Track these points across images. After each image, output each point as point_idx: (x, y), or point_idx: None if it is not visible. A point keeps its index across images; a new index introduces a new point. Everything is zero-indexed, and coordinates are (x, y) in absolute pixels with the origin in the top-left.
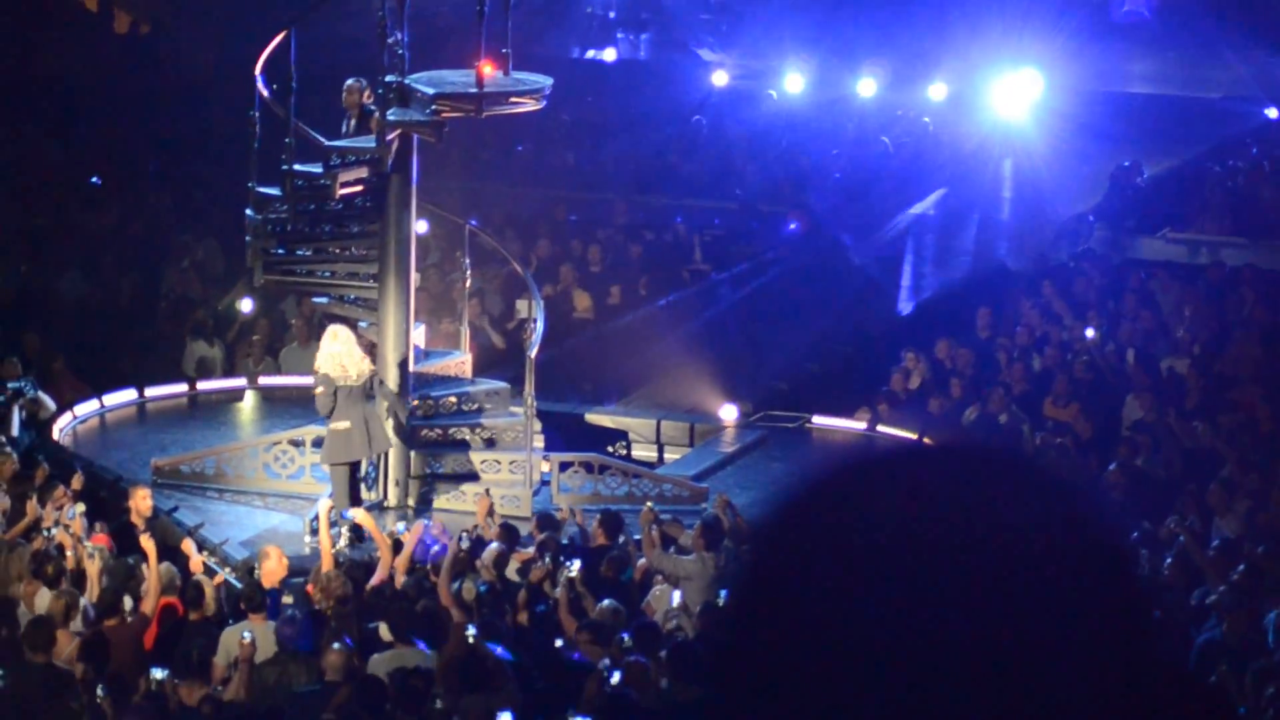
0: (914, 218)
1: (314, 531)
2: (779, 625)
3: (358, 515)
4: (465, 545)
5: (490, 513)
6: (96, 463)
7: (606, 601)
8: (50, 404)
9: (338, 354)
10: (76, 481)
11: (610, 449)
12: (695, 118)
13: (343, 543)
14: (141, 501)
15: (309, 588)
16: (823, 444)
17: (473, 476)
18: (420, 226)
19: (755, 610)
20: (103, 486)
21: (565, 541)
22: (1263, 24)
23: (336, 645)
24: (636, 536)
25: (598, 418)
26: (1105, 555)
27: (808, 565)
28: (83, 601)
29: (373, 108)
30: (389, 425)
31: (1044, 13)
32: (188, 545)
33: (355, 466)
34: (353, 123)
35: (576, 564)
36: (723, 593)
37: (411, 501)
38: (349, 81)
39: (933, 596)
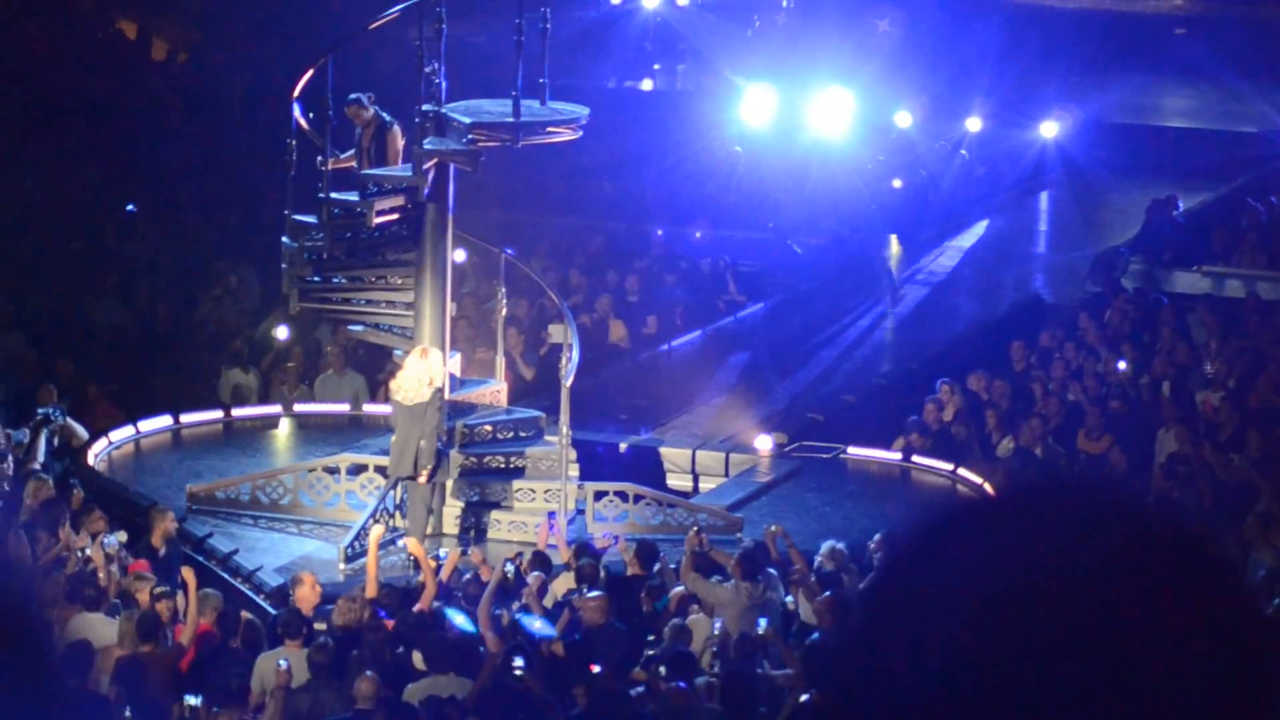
0: (954, 249)
1: (349, 559)
2: (902, 674)
3: (410, 544)
4: (510, 572)
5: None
6: (131, 488)
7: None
8: (81, 431)
9: (406, 371)
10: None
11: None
12: (735, 148)
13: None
14: (169, 524)
15: (332, 612)
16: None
17: (508, 505)
18: (458, 255)
19: (874, 659)
20: (138, 512)
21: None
22: None
23: (369, 673)
24: (673, 564)
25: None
26: (1226, 595)
27: (930, 614)
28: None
29: (389, 119)
30: (415, 455)
31: (1080, 47)
32: (188, 573)
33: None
34: (368, 139)
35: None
36: (762, 621)
37: (446, 529)
38: (350, 103)
39: (1063, 644)
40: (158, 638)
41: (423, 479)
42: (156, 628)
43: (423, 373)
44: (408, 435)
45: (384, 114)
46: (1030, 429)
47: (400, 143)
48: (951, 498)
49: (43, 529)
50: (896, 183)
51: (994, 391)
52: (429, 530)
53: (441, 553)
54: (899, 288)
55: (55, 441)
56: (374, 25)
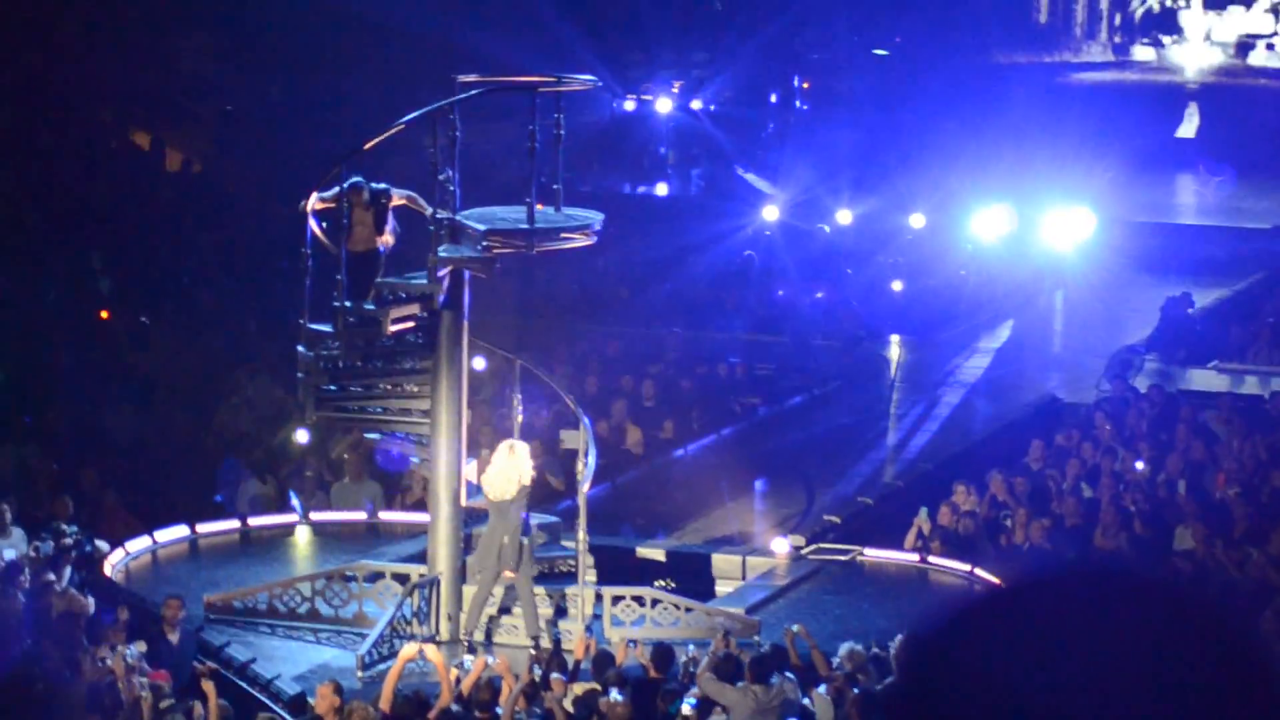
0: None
1: (365, 666)
2: None
3: (428, 650)
4: (538, 674)
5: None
6: (149, 599)
7: None
8: (104, 547)
9: (494, 467)
10: (123, 613)
11: (660, 583)
12: (747, 253)
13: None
14: (172, 610)
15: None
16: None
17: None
18: (478, 363)
19: None
20: (155, 622)
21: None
22: None
23: None
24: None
25: (649, 552)
26: (1253, 670)
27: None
28: None
29: (383, 191)
30: (499, 551)
31: (1095, 149)
32: (208, 686)
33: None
34: (368, 214)
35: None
36: None
37: (463, 636)
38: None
39: None
40: None
41: (509, 574)
42: None
43: (511, 469)
44: (494, 532)
45: (375, 186)
46: (1039, 526)
47: (398, 201)
48: (967, 594)
49: (60, 640)
50: (897, 285)
51: (1015, 488)
52: (449, 637)
53: (466, 660)
54: (895, 385)
55: (74, 554)
56: (382, 138)
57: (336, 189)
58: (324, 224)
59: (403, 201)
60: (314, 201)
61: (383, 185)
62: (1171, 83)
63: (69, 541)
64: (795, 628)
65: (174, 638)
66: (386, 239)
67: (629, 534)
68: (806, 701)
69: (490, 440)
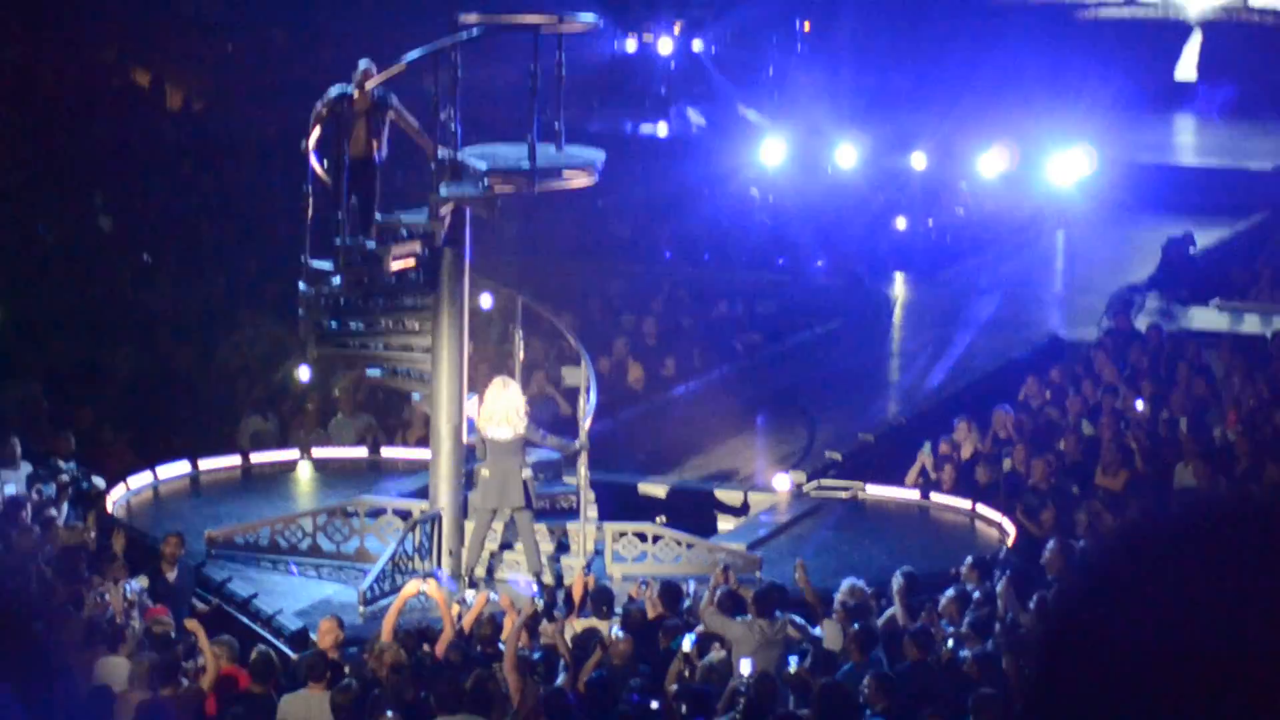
0: (971, 286)
1: (367, 602)
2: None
3: (429, 586)
4: (540, 606)
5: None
6: (150, 534)
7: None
8: (100, 483)
9: (489, 406)
10: (119, 541)
11: (658, 520)
12: (751, 190)
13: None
14: (170, 546)
15: (365, 656)
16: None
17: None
18: (485, 301)
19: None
20: (155, 557)
21: (619, 612)
22: None
23: (390, 713)
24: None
25: (651, 488)
26: None
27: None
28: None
29: (385, 98)
30: (522, 486)
31: (1097, 87)
32: (192, 625)
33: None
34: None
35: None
36: (793, 660)
37: (464, 572)
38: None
39: None
40: (176, 681)
41: (517, 510)
42: (175, 670)
43: (509, 404)
44: (506, 468)
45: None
46: (1041, 463)
47: (392, 116)
48: (1108, 549)
49: (63, 574)
50: (900, 222)
51: (1015, 425)
52: (450, 572)
53: (468, 595)
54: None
55: (70, 491)
56: (384, 76)
57: (331, 93)
58: (324, 161)
59: (395, 116)
60: (314, 140)
61: (382, 92)
62: (1172, 19)
63: (65, 479)
64: (798, 563)
65: (171, 575)
66: (382, 149)
67: (630, 470)
68: (817, 631)
69: (486, 378)
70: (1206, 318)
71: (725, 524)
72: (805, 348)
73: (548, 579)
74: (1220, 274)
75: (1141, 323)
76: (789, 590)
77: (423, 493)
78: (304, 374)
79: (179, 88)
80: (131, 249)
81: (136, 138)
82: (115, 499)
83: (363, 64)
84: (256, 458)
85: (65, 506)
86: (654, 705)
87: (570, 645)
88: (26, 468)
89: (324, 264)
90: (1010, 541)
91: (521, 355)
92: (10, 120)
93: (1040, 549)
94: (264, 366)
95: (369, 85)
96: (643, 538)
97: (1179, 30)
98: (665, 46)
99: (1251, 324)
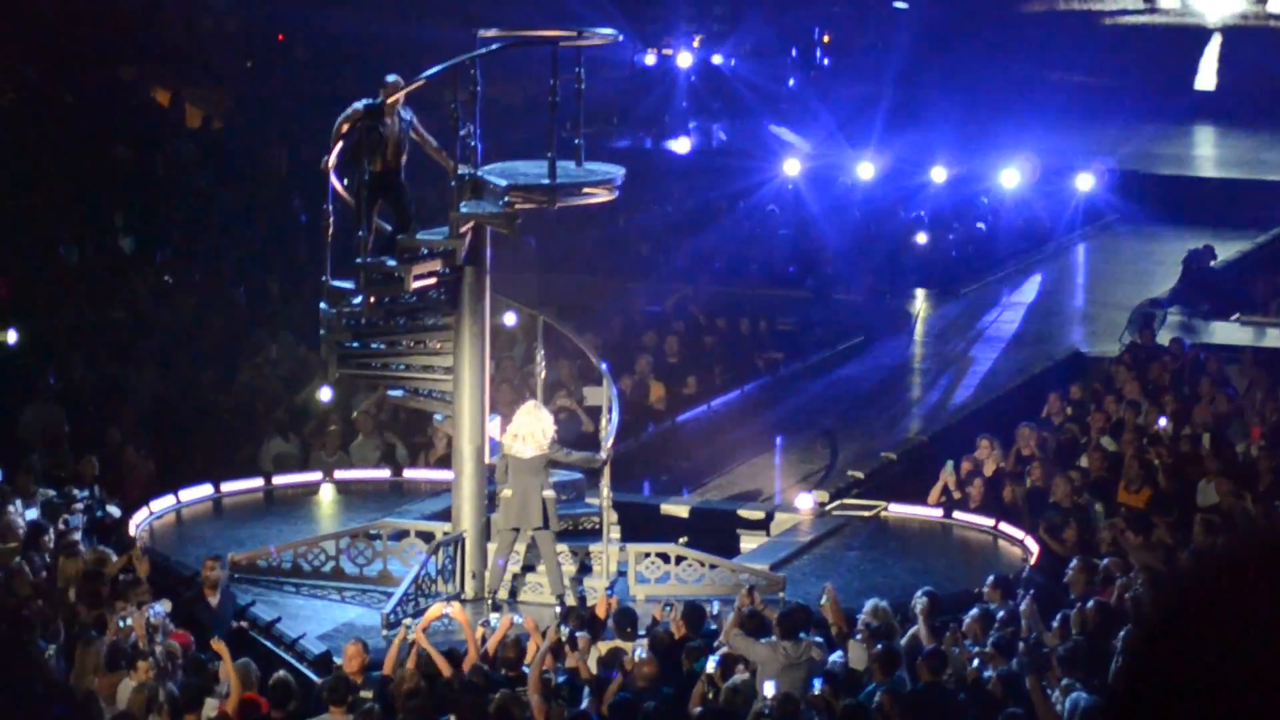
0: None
1: (390, 625)
2: None
3: (452, 609)
4: (564, 632)
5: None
6: (173, 558)
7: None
8: (115, 512)
9: (517, 426)
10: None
11: (681, 540)
12: (770, 207)
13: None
14: (210, 571)
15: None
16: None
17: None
18: (508, 319)
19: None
20: (180, 583)
21: (643, 634)
22: None
23: None
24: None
25: (673, 508)
26: None
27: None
28: (162, 694)
29: (411, 121)
30: (542, 507)
31: (1107, 100)
32: (218, 646)
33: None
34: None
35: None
36: (817, 682)
37: (488, 594)
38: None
39: None
40: (199, 709)
41: (538, 532)
42: (200, 696)
43: (536, 425)
44: (527, 486)
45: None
46: (1064, 480)
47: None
48: (1185, 577)
49: (84, 599)
50: (921, 237)
51: (1040, 442)
52: (474, 595)
53: (493, 618)
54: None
55: (85, 520)
56: (404, 91)
57: (357, 107)
58: (344, 179)
59: (415, 135)
60: (334, 159)
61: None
62: (1191, 25)
63: (79, 507)
64: (827, 587)
65: (214, 600)
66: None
67: (653, 491)
68: (836, 656)
69: (509, 398)
70: (1228, 332)
71: (748, 543)
72: (826, 365)
73: (570, 601)
74: (1241, 287)
75: (1164, 337)
76: (813, 611)
77: (445, 514)
78: (325, 395)
79: (199, 107)
80: (153, 270)
81: (157, 157)
82: (138, 522)
83: (390, 79)
84: (279, 480)
85: (79, 536)
86: None
87: (594, 668)
88: (43, 495)
89: (345, 284)
90: (1033, 560)
91: (543, 374)
92: (30, 141)
93: (1064, 567)
94: (286, 388)
95: (390, 101)
96: (666, 559)
97: (1199, 37)
98: (685, 60)
99: (1274, 338)
